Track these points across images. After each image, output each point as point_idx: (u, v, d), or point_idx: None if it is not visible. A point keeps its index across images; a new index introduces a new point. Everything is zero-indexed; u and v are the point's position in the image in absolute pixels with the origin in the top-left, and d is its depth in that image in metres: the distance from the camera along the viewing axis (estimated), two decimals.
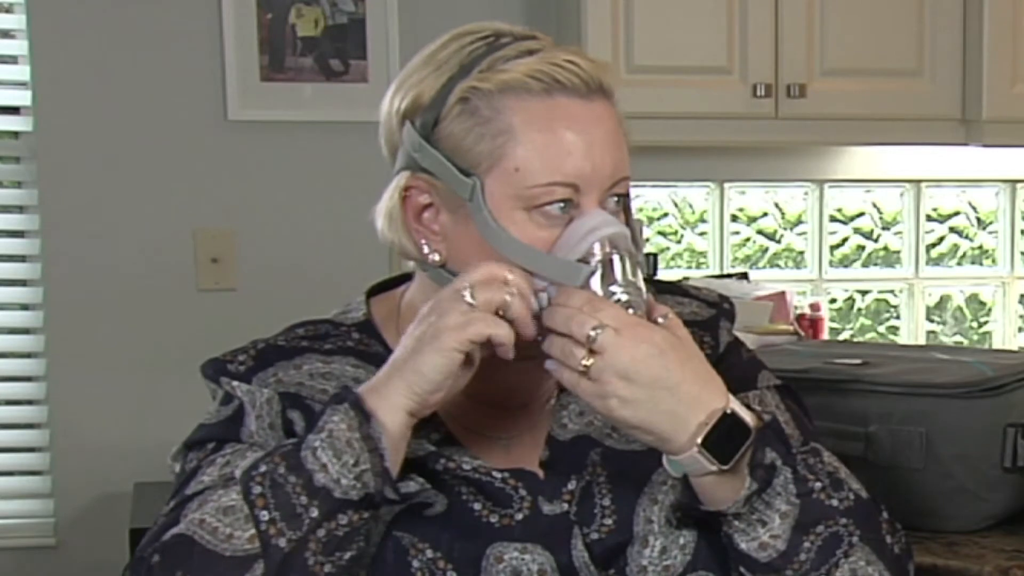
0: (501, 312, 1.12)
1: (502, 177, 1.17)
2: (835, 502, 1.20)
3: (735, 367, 1.33)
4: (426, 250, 1.22)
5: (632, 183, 1.27)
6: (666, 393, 1.12)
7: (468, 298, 1.12)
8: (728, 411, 1.14)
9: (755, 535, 1.17)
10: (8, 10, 2.86)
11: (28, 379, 2.94)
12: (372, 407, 1.12)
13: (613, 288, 1.15)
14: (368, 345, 1.27)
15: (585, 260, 1.15)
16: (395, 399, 1.12)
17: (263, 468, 1.11)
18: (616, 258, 1.15)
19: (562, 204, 1.16)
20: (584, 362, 1.12)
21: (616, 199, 1.21)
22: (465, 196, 1.17)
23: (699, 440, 1.13)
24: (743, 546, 1.17)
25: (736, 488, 1.15)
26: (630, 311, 1.14)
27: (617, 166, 1.19)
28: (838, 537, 1.19)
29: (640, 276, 1.17)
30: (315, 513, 1.10)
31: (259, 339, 1.28)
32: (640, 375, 1.12)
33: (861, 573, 1.19)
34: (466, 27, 1.22)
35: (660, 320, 1.15)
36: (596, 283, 1.15)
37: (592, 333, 1.11)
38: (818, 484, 1.20)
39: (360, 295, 1.33)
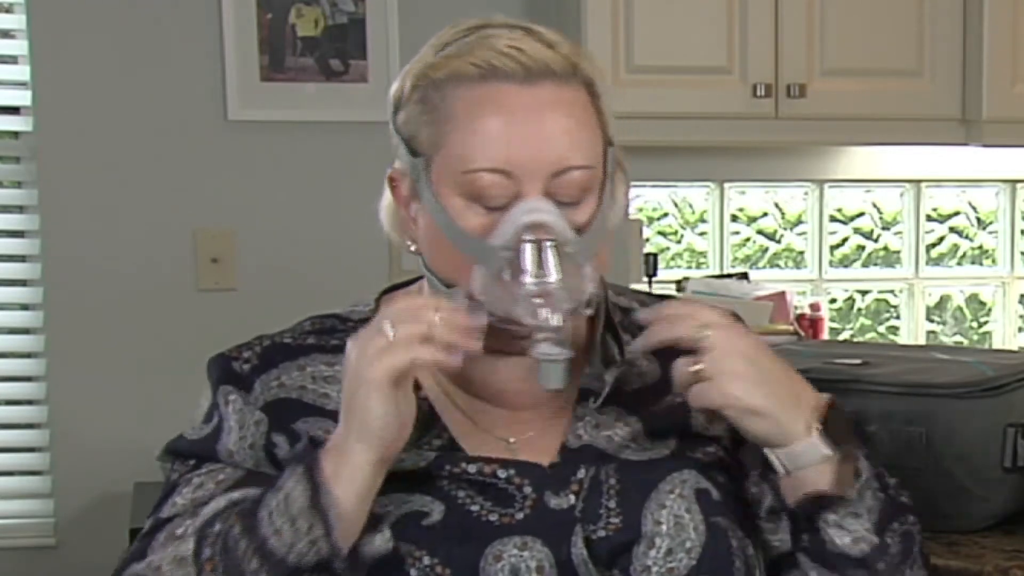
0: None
1: (443, 163, 1.17)
2: (905, 499, 1.24)
3: None
4: (407, 239, 1.24)
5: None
6: (782, 377, 1.17)
7: (388, 331, 1.09)
8: (833, 400, 1.18)
9: (852, 528, 1.18)
10: (8, 10, 2.86)
11: (28, 379, 2.94)
12: (329, 474, 1.09)
13: (523, 279, 1.13)
14: None
15: (507, 247, 1.14)
16: (354, 458, 1.10)
17: (218, 527, 1.10)
18: (529, 248, 1.13)
19: (502, 192, 1.15)
20: (693, 368, 1.13)
21: (570, 190, 1.17)
22: (416, 177, 1.19)
23: (817, 425, 1.16)
24: (839, 542, 1.18)
25: (845, 476, 1.17)
26: (537, 300, 1.13)
27: (562, 154, 1.15)
28: (911, 536, 1.22)
29: (556, 268, 1.13)
30: None
31: (265, 335, 1.28)
32: (759, 359, 1.15)
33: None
34: (466, 20, 1.22)
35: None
36: (507, 271, 1.14)
37: (699, 334, 1.14)
38: (892, 480, 1.23)
39: (369, 294, 1.34)
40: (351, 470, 1.09)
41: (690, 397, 1.15)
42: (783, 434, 1.16)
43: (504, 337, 1.16)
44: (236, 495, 1.14)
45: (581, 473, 1.23)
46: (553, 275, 1.13)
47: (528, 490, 1.21)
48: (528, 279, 1.13)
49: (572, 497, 1.21)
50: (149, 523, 1.20)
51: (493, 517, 1.20)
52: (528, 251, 1.13)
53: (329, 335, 1.27)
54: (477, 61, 1.15)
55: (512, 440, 1.25)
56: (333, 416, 1.20)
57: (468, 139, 1.15)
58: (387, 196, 1.25)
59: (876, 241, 3.43)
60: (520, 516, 1.20)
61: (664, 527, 1.21)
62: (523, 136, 1.14)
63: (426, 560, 1.17)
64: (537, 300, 1.13)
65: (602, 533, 1.21)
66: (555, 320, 1.14)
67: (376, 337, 1.09)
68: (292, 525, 1.08)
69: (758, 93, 2.81)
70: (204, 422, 1.25)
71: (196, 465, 1.23)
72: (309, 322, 1.30)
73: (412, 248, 1.23)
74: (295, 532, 1.08)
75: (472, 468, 1.21)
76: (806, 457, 1.17)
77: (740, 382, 1.14)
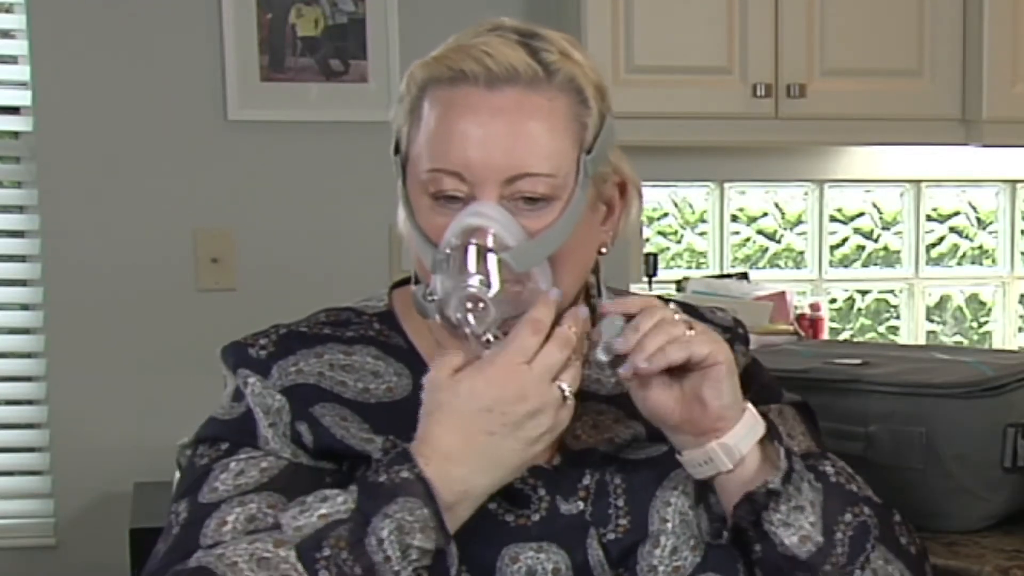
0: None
1: (412, 162, 1.20)
2: (854, 487, 1.23)
3: (761, 391, 1.34)
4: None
5: None
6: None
7: (566, 389, 1.12)
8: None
9: (797, 524, 1.18)
10: (8, 10, 2.87)
11: (28, 379, 2.94)
12: (450, 503, 1.10)
13: (466, 280, 1.13)
14: (388, 336, 1.28)
15: (444, 249, 1.15)
16: (481, 498, 1.13)
17: (327, 552, 1.08)
18: (473, 251, 1.13)
19: (458, 193, 1.16)
20: (689, 332, 1.16)
21: (530, 198, 1.16)
22: (397, 174, 1.22)
23: (745, 400, 1.19)
24: (787, 541, 1.18)
25: (770, 465, 1.18)
26: (468, 304, 1.13)
27: (518, 160, 1.15)
28: (866, 528, 1.21)
29: (497, 278, 1.13)
30: None
31: (280, 324, 1.28)
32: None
33: (882, 572, 1.21)
34: (488, 20, 1.22)
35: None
36: (440, 274, 1.14)
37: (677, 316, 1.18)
38: (830, 468, 1.23)
39: (381, 289, 1.34)
40: (474, 505, 1.13)
41: (678, 345, 1.15)
42: (737, 402, 1.18)
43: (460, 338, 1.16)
44: (325, 510, 1.11)
45: (587, 479, 1.23)
46: (494, 285, 1.13)
47: (542, 492, 1.22)
48: (471, 281, 1.13)
49: (581, 503, 1.22)
50: (184, 506, 1.18)
51: (509, 518, 1.20)
52: (472, 254, 1.13)
53: (344, 327, 1.28)
54: (450, 64, 1.17)
55: None
56: (350, 404, 1.22)
57: (431, 140, 1.17)
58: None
59: (876, 241, 3.43)
60: (536, 518, 1.21)
61: (670, 524, 1.22)
62: (480, 140, 1.15)
63: None
64: (468, 304, 1.13)
65: (612, 536, 1.22)
66: (479, 329, 1.13)
67: (556, 395, 1.12)
68: (403, 552, 1.08)
69: (758, 93, 2.81)
70: (234, 400, 1.25)
71: (230, 450, 1.22)
72: (324, 314, 1.30)
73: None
74: (404, 558, 1.09)
75: None
76: (748, 437, 1.18)
77: (722, 343, 1.17)
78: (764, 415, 1.22)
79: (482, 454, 1.11)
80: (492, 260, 1.13)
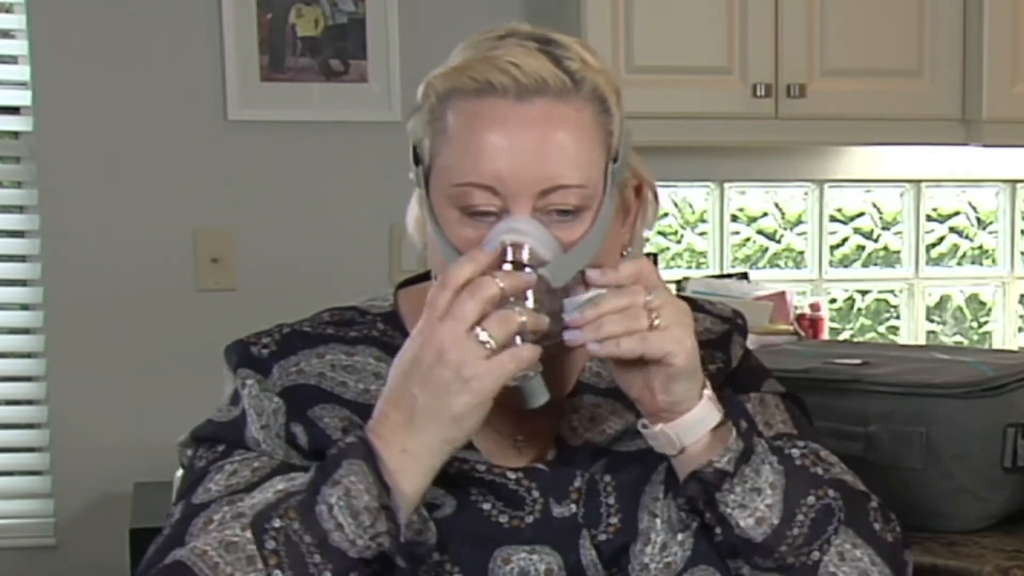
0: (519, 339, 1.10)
1: (438, 174, 1.18)
2: (819, 470, 1.23)
3: (744, 376, 1.34)
4: (422, 243, 1.25)
5: None
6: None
7: (485, 338, 1.08)
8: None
9: (753, 506, 1.17)
10: (8, 10, 2.87)
11: (28, 379, 2.94)
12: (394, 469, 1.09)
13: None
14: (392, 337, 1.27)
15: None
16: (428, 458, 1.11)
17: (277, 523, 1.10)
18: (508, 265, 1.12)
19: (490, 207, 1.15)
20: (655, 321, 1.12)
21: (562, 210, 1.16)
22: (418, 184, 1.20)
23: (708, 390, 1.17)
24: (742, 523, 1.17)
25: (722, 447, 1.17)
26: None
27: (552, 172, 1.14)
28: (829, 510, 1.20)
29: (533, 294, 1.12)
30: (327, 573, 1.09)
31: (284, 323, 1.28)
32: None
33: (849, 556, 1.20)
34: (503, 26, 1.21)
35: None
36: None
37: (648, 298, 1.12)
38: (796, 451, 1.22)
39: (387, 288, 1.34)
40: (421, 467, 1.11)
41: (634, 339, 1.12)
42: (688, 399, 1.16)
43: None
44: (282, 486, 1.13)
45: (578, 482, 1.23)
46: (530, 299, 1.12)
47: (536, 494, 1.22)
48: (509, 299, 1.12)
49: (573, 506, 1.23)
50: (179, 508, 1.19)
51: (503, 519, 1.21)
52: (508, 269, 1.12)
53: (348, 327, 1.28)
54: (476, 76, 1.15)
55: (520, 438, 1.26)
56: (350, 405, 1.22)
57: (459, 153, 1.16)
58: (416, 194, 1.26)
59: (876, 241, 3.43)
60: (529, 520, 1.21)
61: (658, 521, 1.22)
62: (511, 153, 1.14)
63: (435, 556, 1.18)
64: None
65: (603, 536, 1.22)
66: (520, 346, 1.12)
67: (475, 346, 1.08)
68: (355, 520, 1.08)
69: (758, 93, 2.81)
70: (231, 403, 1.25)
71: (226, 451, 1.22)
72: (328, 313, 1.30)
73: (425, 250, 1.24)
74: (358, 527, 1.08)
75: (481, 467, 1.22)
76: (695, 429, 1.16)
77: (690, 337, 1.14)
78: (737, 403, 1.21)
79: (412, 415, 1.10)
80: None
